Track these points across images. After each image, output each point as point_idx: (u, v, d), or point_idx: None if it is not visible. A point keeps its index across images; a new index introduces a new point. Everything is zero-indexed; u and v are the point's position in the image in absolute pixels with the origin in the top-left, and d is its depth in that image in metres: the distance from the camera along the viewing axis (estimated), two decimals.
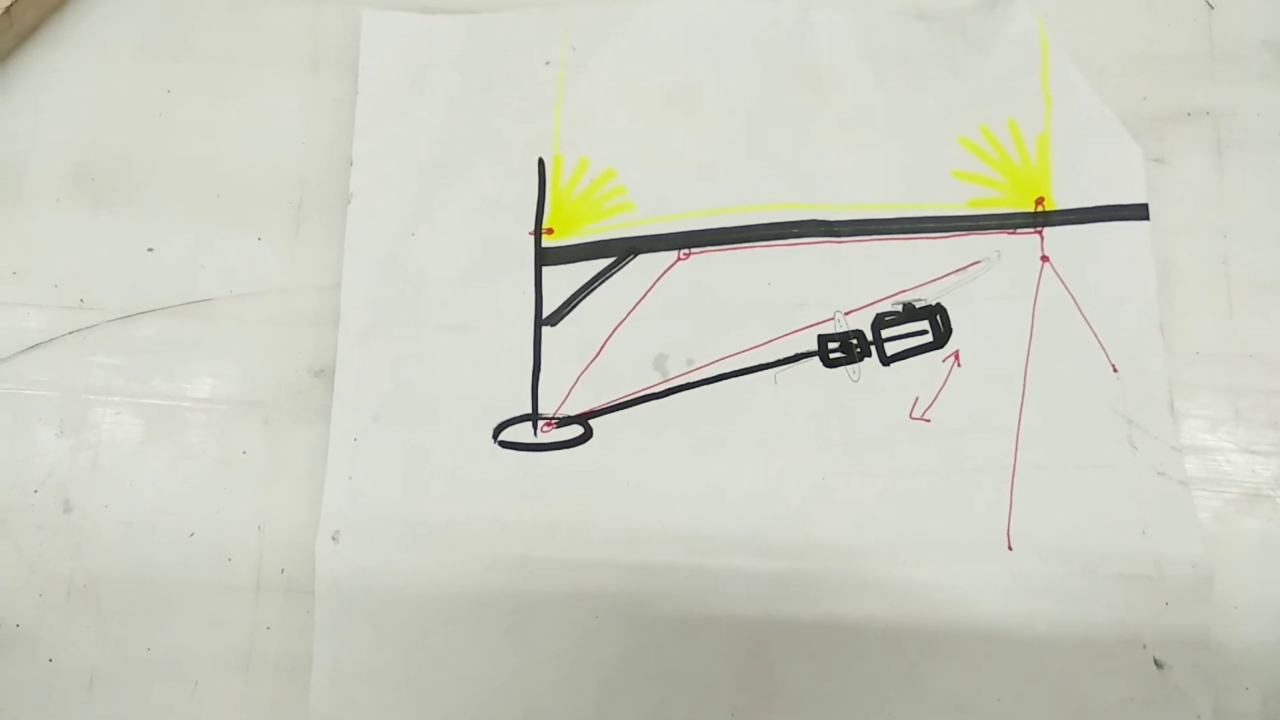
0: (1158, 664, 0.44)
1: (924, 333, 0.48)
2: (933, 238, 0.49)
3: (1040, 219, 0.49)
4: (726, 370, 0.47)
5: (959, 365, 0.47)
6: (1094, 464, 0.46)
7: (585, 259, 0.48)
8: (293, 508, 0.46)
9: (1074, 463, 0.46)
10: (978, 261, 0.48)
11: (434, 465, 0.46)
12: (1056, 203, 0.49)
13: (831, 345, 0.47)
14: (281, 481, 0.46)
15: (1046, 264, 0.48)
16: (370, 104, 0.50)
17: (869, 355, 0.47)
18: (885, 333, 0.48)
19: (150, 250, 0.49)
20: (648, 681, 0.44)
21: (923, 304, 0.48)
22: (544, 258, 0.48)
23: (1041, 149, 0.50)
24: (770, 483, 0.46)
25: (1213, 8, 0.52)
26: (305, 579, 0.45)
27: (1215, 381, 0.48)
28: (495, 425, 0.46)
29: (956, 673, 0.44)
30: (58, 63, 0.51)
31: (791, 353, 0.47)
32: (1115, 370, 0.47)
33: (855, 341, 0.48)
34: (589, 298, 0.48)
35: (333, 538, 0.45)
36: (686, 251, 0.49)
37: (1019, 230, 0.49)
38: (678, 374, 0.47)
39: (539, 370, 0.47)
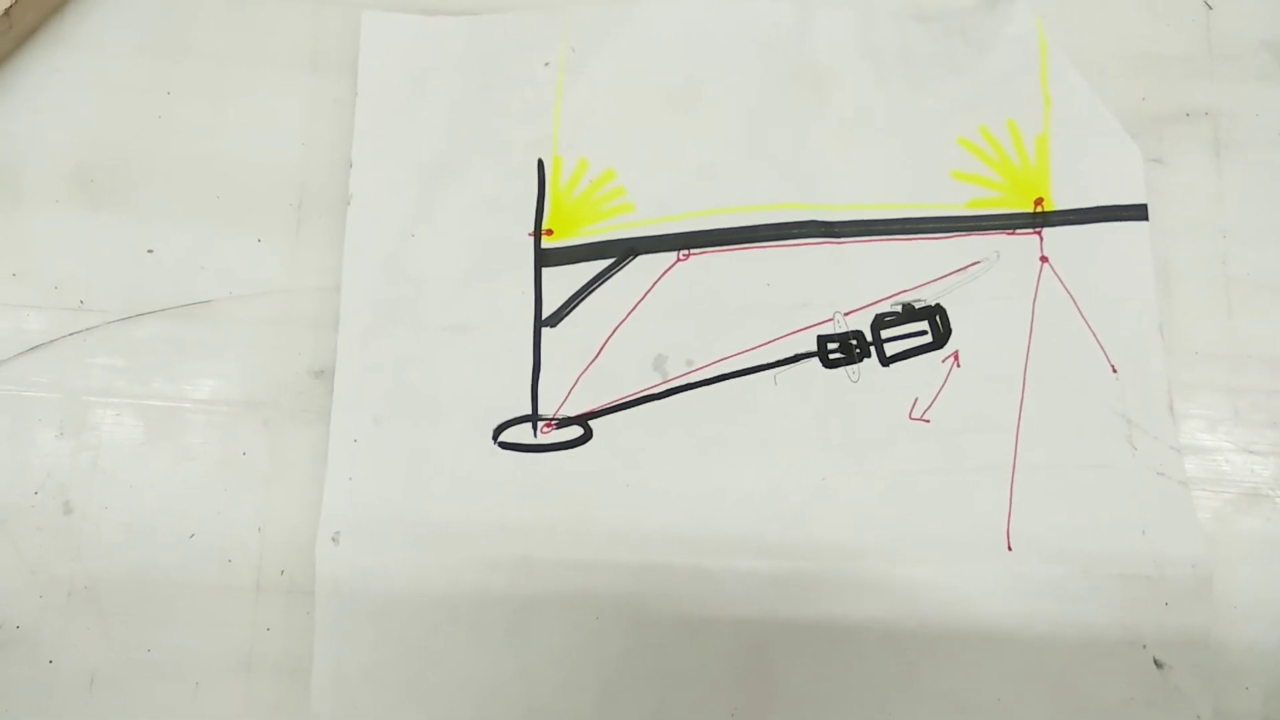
0: (1158, 664, 0.44)
1: (923, 333, 0.48)
2: (932, 238, 0.49)
3: (1039, 219, 0.49)
4: (726, 371, 0.47)
5: (958, 365, 0.47)
6: (1093, 464, 0.46)
7: (585, 260, 0.48)
8: (293, 509, 0.46)
9: (1074, 463, 0.46)
10: (977, 262, 0.48)
11: (434, 466, 0.46)
12: (1056, 203, 0.49)
13: (831, 346, 0.47)
14: (282, 483, 0.46)
15: (1046, 264, 0.48)
16: (370, 105, 0.50)
17: (869, 356, 0.47)
18: (885, 333, 0.48)
19: (150, 252, 0.49)
20: (648, 682, 0.44)
21: (922, 304, 0.48)
22: (544, 259, 0.48)
23: (1041, 149, 0.50)
24: (770, 483, 0.46)
25: (1211, 8, 0.52)
26: (306, 580, 0.45)
27: (1214, 381, 0.48)
28: (495, 426, 0.46)
29: (956, 673, 0.44)
30: (58, 64, 0.51)
31: (791, 353, 0.47)
32: (1114, 370, 0.47)
33: (855, 342, 0.48)
34: (589, 299, 0.48)
35: (333, 539, 0.45)
36: (686, 252, 0.49)
37: (1018, 231, 0.49)
38: (678, 375, 0.47)
39: (539, 371, 0.47)
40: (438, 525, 0.45)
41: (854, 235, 0.49)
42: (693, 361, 0.47)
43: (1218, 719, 0.44)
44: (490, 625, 0.44)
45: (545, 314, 0.48)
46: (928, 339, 0.48)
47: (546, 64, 0.51)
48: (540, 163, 0.50)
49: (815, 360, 0.47)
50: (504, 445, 0.46)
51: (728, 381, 0.47)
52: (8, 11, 0.48)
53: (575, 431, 0.47)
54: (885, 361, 0.47)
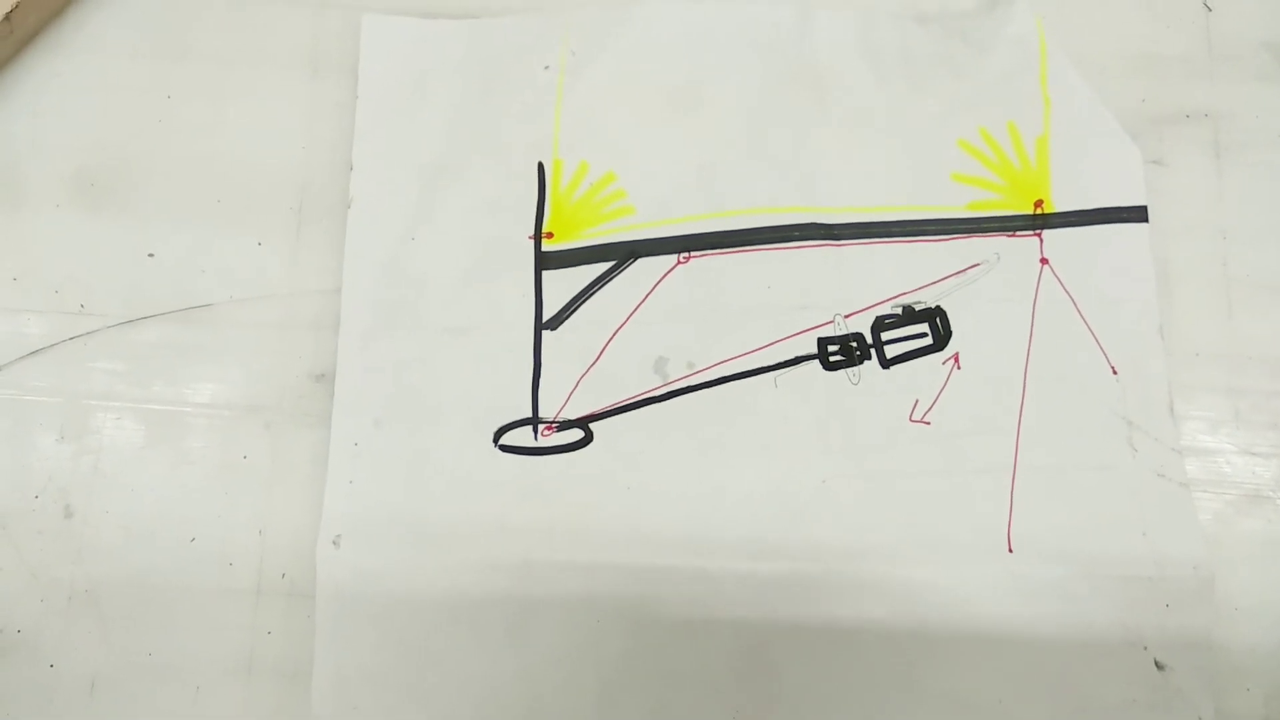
0: (1159, 666, 0.44)
1: (924, 335, 0.48)
2: (932, 240, 0.49)
3: (1039, 221, 0.49)
4: (727, 373, 0.47)
5: (959, 367, 0.47)
6: (1094, 466, 0.46)
7: (585, 263, 0.48)
8: (294, 512, 0.46)
9: (1074, 464, 0.46)
10: (977, 264, 0.48)
11: (435, 468, 0.46)
12: (1055, 205, 0.49)
13: (831, 348, 0.47)
14: (282, 486, 0.46)
15: (1046, 266, 0.48)
16: (370, 108, 0.50)
17: (869, 358, 0.47)
18: (885, 335, 0.48)
19: (151, 255, 0.49)
20: (649, 683, 0.44)
21: (922, 306, 0.48)
22: (544, 262, 0.48)
23: (1040, 151, 0.50)
24: (771, 485, 0.46)
25: (1210, 9, 0.52)
26: (306, 583, 0.45)
27: (1215, 383, 0.48)
28: (496, 429, 0.46)
29: (957, 674, 0.44)
30: (58, 68, 0.51)
31: (792, 356, 0.47)
32: (1115, 372, 0.47)
33: (855, 344, 0.48)
34: (589, 301, 0.48)
35: (333, 542, 0.45)
36: (686, 255, 0.49)
37: (1018, 233, 0.49)
38: (678, 377, 0.47)
39: (539, 374, 0.47)
40: (438, 527, 0.45)
41: (854, 237, 0.49)
42: (693, 364, 0.47)
43: None
44: (491, 627, 0.44)
45: (546, 317, 0.48)
46: (928, 341, 0.48)
47: (546, 67, 0.51)
48: (540, 166, 0.50)
49: (816, 362, 0.47)
50: (504, 448, 0.46)
51: (728, 384, 0.47)
52: (8, 16, 0.48)
53: (576, 434, 0.47)
54: (886, 364, 0.47)
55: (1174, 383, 0.47)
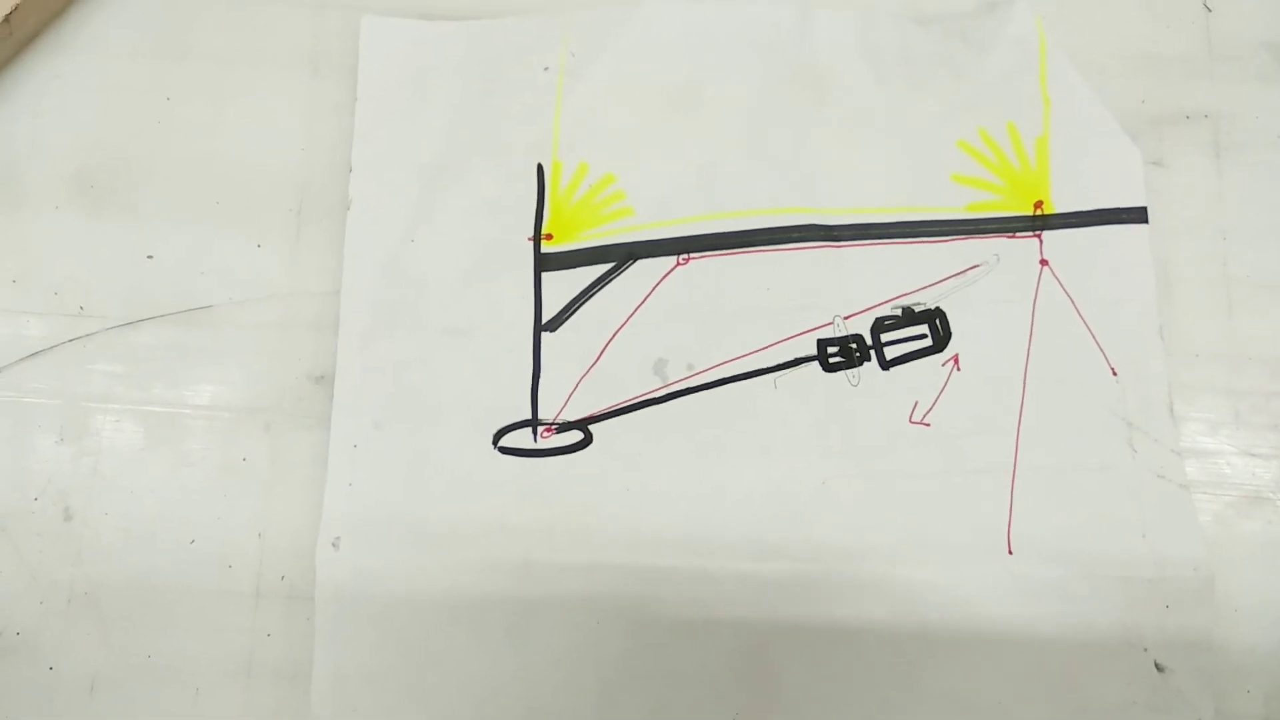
0: (1158, 667, 0.44)
1: (923, 337, 0.48)
2: (932, 242, 0.49)
3: (1039, 222, 0.49)
4: (726, 375, 0.47)
5: (958, 369, 0.47)
6: (1094, 467, 0.46)
7: (584, 264, 0.48)
8: (293, 514, 0.46)
9: (1074, 466, 0.46)
10: (977, 265, 0.48)
11: (434, 470, 0.46)
12: (1055, 206, 0.49)
13: (831, 350, 0.47)
14: (282, 488, 0.46)
15: (1045, 267, 0.48)
16: (369, 110, 0.50)
17: (869, 359, 0.47)
18: (885, 337, 0.48)
19: (150, 257, 0.49)
20: (648, 684, 0.44)
21: (922, 308, 0.48)
22: (543, 263, 0.48)
23: (1040, 152, 0.50)
24: (771, 486, 0.46)
25: (1210, 10, 0.52)
26: (306, 585, 0.45)
27: (1215, 384, 0.48)
28: (495, 431, 0.46)
29: (957, 675, 0.44)
30: (58, 69, 0.51)
31: (791, 357, 0.47)
32: (1115, 373, 0.47)
33: (855, 346, 0.47)
34: (588, 303, 0.48)
35: (333, 544, 0.45)
36: (686, 256, 0.49)
37: (1018, 234, 0.49)
38: (678, 379, 0.47)
39: (539, 376, 0.47)
40: (438, 529, 0.45)
41: (854, 239, 0.49)
42: (693, 366, 0.47)
43: None
44: (490, 628, 0.44)
45: (545, 318, 0.48)
46: (928, 342, 0.48)
47: (546, 68, 0.51)
48: (540, 167, 0.50)
49: (815, 364, 0.47)
50: (504, 450, 0.46)
51: (728, 386, 0.47)
52: (8, 18, 0.48)
53: (575, 436, 0.47)
54: (885, 365, 0.47)
55: (1174, 384, 0.47)
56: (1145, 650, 0.44)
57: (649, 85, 0.51)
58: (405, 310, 0.48)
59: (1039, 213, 0.49)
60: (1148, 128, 0.50)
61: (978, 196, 0.49)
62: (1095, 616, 0.44)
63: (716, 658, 0.44)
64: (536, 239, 0.49)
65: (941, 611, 0.45)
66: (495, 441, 0.46)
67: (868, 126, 0.50)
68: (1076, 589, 0.45)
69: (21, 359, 0.47)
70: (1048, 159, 0.50)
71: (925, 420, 0.47)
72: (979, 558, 0.45)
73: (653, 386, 0.47)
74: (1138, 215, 0.49)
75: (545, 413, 0.47)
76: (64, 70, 0.51)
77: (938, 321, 0.48)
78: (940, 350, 0.47)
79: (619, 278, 0.48)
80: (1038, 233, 0.49)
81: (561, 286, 0.48)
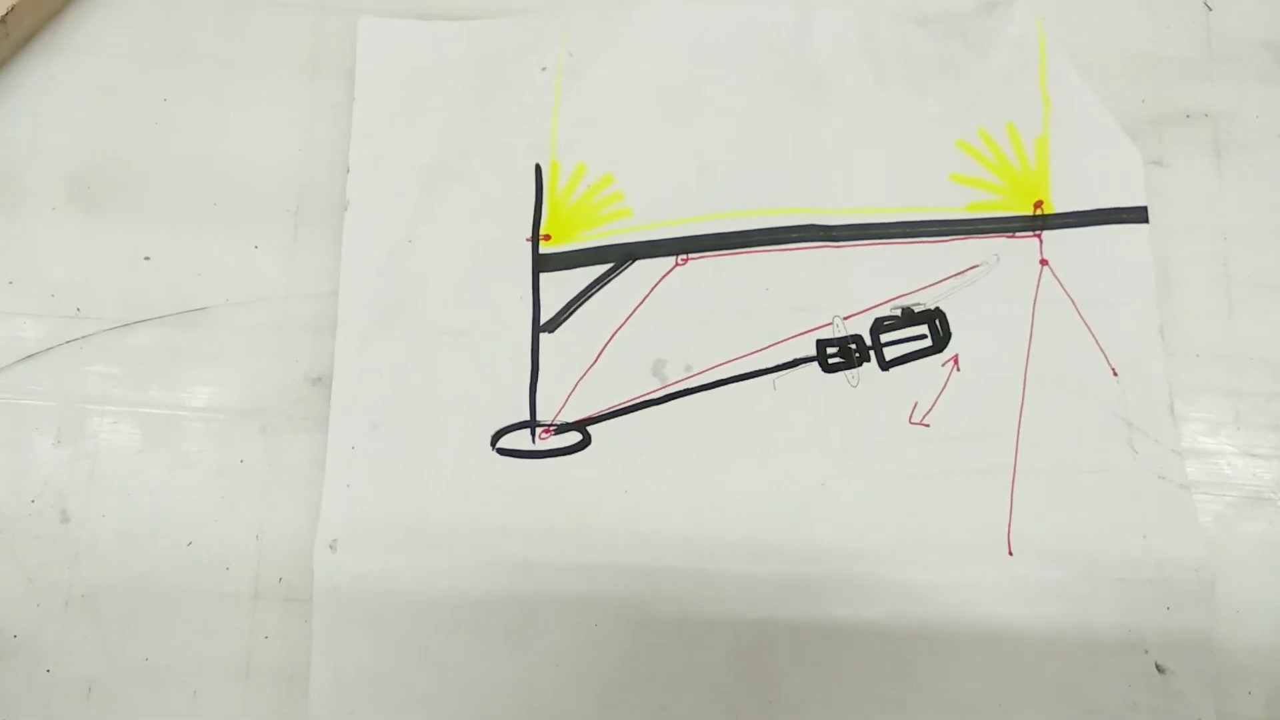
0: (1159, 669, 0.44)
1: (923, 337, 0.47)
2: (931, 242, 0.49)
3: (1039, 222, 0.49)
4: (725, 376, 0.47)
5: (958, 369, 0.47)
6: (1094, 468, 0.46)
7: (583, 265, 0.48)
8: (291, 516, 0.46)
9: (1074, 466, 0.46)
10: (976, 265, 0.48)
11: (432, 472, 0.46)
12: (1055, 206, 0.49)
13: (830, 350, 0.47)
14: (279, 490, 0.46)
15: (1045, 267, 0.48)
16: (367, 111, 0.50)
17: (868, 360, 0.47)
18: (884, 337, 0.47)
19: (147, 259, 0.49)
20: (648, 686, 0.44)
21: (921, 308, 0.48)
22: (541, 264, 0.48)
23: (1040, 152, 0.50)
24: (770, 487, 0.46)
25: (1211, 9, 0.52)
26: (303, 587, 0.45)
27: (1215, 384, 0.48)
28: (493, 432, 0.46)
29: (957, 677, 0.44)
30: (55, 70, 0.51)
31: (790, 358, 0.47)
32: (1115, 373, 0.47)
33: (854, 346, 0.47)
34: (587, 304, 0.48)
35: (330, 546, 0.45)
36: (684, 257, 0.48)
37: (1018, 234, 0.49)
38: (676, 380, 0.47)
39: (537, 376, 0.47)
40: (436, 530, 0.45)
41: (853, 239, 0.49)
42: (691, 366, 0.47)
43: None
44: (489, 630, 0.44)
45: (543, 319, 0.48)
46: (927, 343, 0.47)
47: (544, 68, 0.51)
48: (538, 168, 0.49)
49: (814, 365, 0.47)
50: (502, 451, 0.46)
51: (727, 386, 0.47)
52: (4, 18, 0.48)
53: (574, 437, 0.46)
54: (885, 366, 0.47)
55: (1174, 384, 0.47)
56: (1146, 651, 0.44)
57: (648, 85, 0.51)
58: (403, 311, 0.47)
59: (1039, 213, 0.49)
60: (1148, 127, 0.50)
61: (977, 196, 0.49)
62: (1096, 617, 0.44)
63: (716, 658, 0.44)
64: (535, 240, 0.49)
65: (941, 613, 0.44)
66: (494, 443, 0.46)
67: (867, 126, 0.50)
68: (1077, 590, 0.45)
69: (18, 361, 0.47)
70: (1048, 159, 0.49)
71: (925, 421, 0.47)
72: (979, 559, 0.45)
73: (651, 387, 0.47)
74: (1138, 215, 0.49)
75: (544, 414, 0.47)
76: (61, 71, 0.51)
77: (937, 322, 0.48)
78: (940, 351, 0.47)
79: (617, 278, 0.48)
80: (1037, 233, 0.49)
81: (560, 287, 0.48)
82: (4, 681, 0.44)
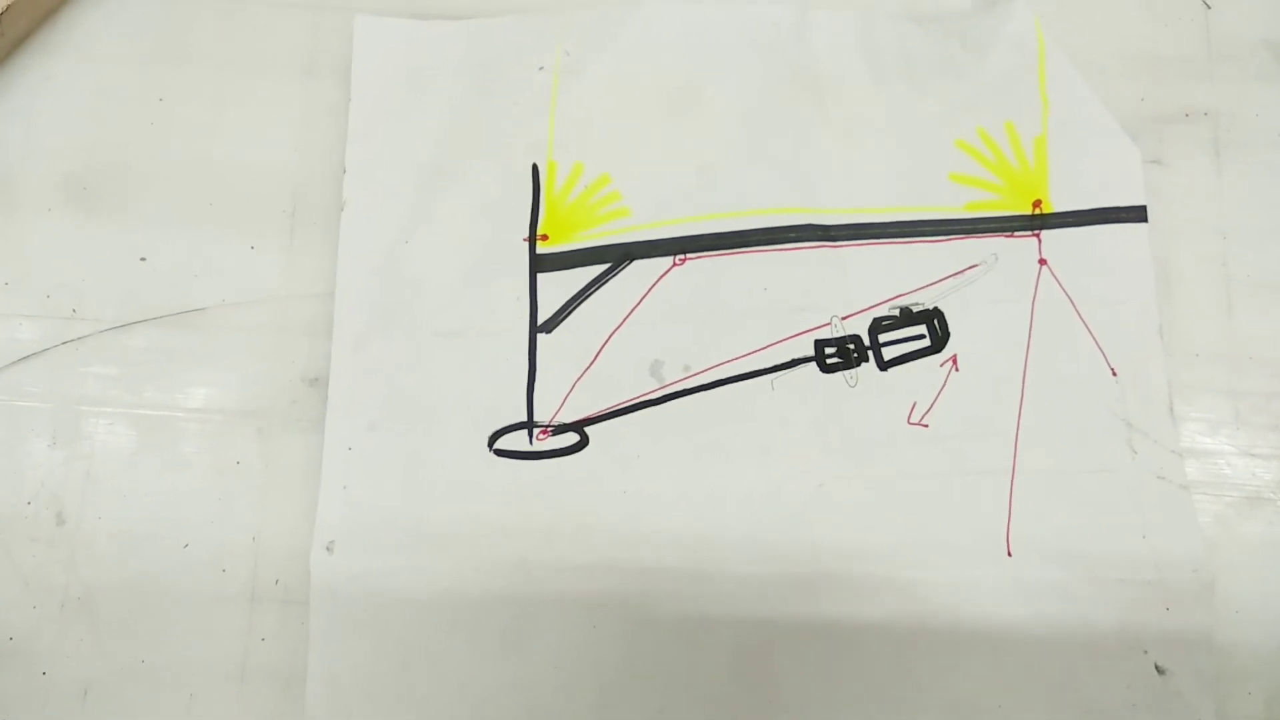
0: (1159, 670, 0.44)
1: (921, 337, 0.47)
2: (930, 241, 0.48)
3: (1038, 221, 0.49)
4: (723, 376, 0.47)
5: (957, 369, 0.47)
6: (1093, 468, 0.46)
7: (580, 265, 0.48)
8: (287, 518, 0.46)
9: (1073, 467, 0.46)
10: (975, 265, 0.48)
11: (429, 473, 0.46)
12: (1054, 205, 0.49)
13: (828, 350, 0.47)
14: (276, 491, 0.46)
15: (1044, 267, 0.48)
16: (363, 111, 0.50)
17: (866, 360, 0.47)
18: (882, 337, 0.47)
19: (143, 259, 0.48)
20: (647, 687, 0.44)
21: (920, 308, 0.48)
22: (538, 264, 0.48)
23: (1039, 151, 0.49)
24: (768, 488, 0.46)
25: (1210, 7, 0.52)
26: (300, 589, 0.44)
27: (1215, 384, 0.48)
28: (491, 433, 0.46)
29: (957, 678, 0.44)
30: (50, 71, 0.51)
31: (788, 358, 0.47)
32: (1114, 373, 0.47)
33: (852, 346, 0.47)
34: (584, 304, 0.48)
35: (327, 548, 0.44)
36: (682, 257, 0.48)
37: (1016, 233, 0.49)
38: (674, 380, 0.47)
39: (534, 377, 0.47)
40: (433, 531, 0.45)
41: (851, 239, 0.48)
42: (689, 367, 0.47)
43: None
44: (487, 632, 0.44)
45: (541, 320, 0.48)
46: (926, 343, 0.47)
47: (541, 68, 0.50)
48: (535, 168, 0.49)
49: (813, 365, 0.47)
50: (499, 452, 0.46)
51: (725, 387, 0.47)
52: None
53: (571, 438, 0.46)
54: (883, 366, 0.47)
55: (1174, 384, 0.47)
56: (1145, 652, 0.44)
57: (645, 85, 0.51)
58: (399, 312, 0.47)
59: (1037, 212, 0.49)
60: (1147, 126, 0.50)
61: (976, 196, 0.49)
62: (1095, 618, 0.44)
63: (715, 659, 0.44)
64: (532, 240, 0.49)
65: (940, 613, 0.44)
66: (491, 444, 0.46)
67: (866, 126, 0.50)
68: (1076, 590, 0.44)
69: (14, 362, 0.47)
70: (1046, 158, 0.49)
71: (923, 421, 0.46)
72: (978, 559, 0.45)
73: (649, 388, 0.47)
74: (1137, 214, 0.49)
75: (541, 415, 0.47)
76: (56, 71, 0.51)
77: (936, 322, 0.47)
78: (938, 350, 0.47)
79: (615, 278, 0.48)
80: (1036, 232, 0.48)
81: (557, 287, 0.48)
82: (0, 684, 0.44)
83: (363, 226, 0.48)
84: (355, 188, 0.49)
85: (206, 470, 0.46)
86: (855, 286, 0.48)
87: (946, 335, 0.47)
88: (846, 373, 0.47)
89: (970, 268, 0.48)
